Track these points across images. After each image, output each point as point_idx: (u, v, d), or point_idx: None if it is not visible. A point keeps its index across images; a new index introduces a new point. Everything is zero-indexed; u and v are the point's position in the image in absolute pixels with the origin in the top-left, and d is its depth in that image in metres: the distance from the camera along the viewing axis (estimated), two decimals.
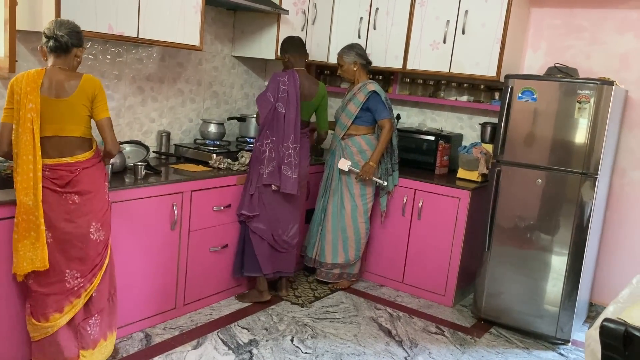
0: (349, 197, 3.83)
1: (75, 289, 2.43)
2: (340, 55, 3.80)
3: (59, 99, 2.32)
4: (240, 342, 3.09)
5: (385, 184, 3.82)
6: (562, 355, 3.33)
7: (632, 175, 3.76)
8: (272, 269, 3.57)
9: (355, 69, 3.77)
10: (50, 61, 2.36)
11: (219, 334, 3.15)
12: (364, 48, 4.23)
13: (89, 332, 2.52)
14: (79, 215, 2.40)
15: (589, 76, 3.61)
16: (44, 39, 2.33)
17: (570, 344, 3.43)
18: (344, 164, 3.76)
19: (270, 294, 3.63)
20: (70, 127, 2.35)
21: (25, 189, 2.28)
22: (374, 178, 3.77)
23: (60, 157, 2.35)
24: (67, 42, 2.32)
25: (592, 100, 3.19)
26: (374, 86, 3.73)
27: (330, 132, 3.96)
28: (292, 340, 3.16)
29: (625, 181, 3.78)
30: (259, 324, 3.32)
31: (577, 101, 3.23)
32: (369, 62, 3.85)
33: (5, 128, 2.33)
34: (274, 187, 3.42)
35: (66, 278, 2.41)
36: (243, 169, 3.50)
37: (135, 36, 2.96)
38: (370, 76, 4.02)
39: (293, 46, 3.53)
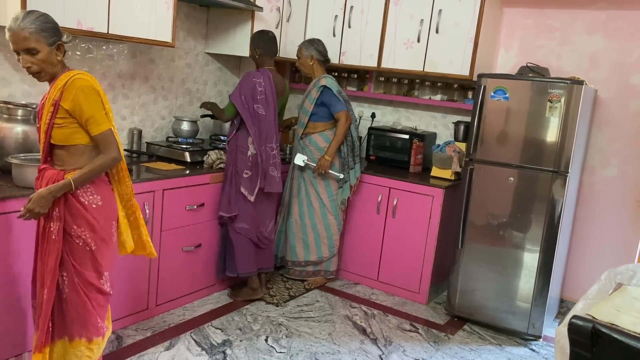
0: (315, 195, 3.83)
1: None
2: (300, 47, 3.84)
3: None
4: (213, 342, 3.06)
5: (341, 176, 3.82)
6: (533, 351, 3.38)
7: (601, 173, 3.83)
8: (254, 267, 3.56)
9: (311, 64, 3.81)
10: (64, 61, 2.22)
11: (192, 334, 3.12)
12: (339, 46, 4.26)
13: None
14: None
15: (559, 76, 3.67)
16: (70, 40, 2.23)
17: (541, 339, 3.48)
18: (299, 159, 3.78)
19: (263, 292, 3.63)
20: None
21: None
22: (331, 172, 3.78)
23: None
24: None
25: (562, 100, 3.24)
26: (325, 81, 3.75)
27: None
28: (266, 340, 3.14)
29: (595, 179, 3.85)
30: (233, 324, 3.30)
31: (548, 100, 3.27)
32: (327, 60, 3.89)
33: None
34: (258, 187, 3.42)
35: None
36: (215, 167, 3.47)
37: (106, 32, 2.89)
38: (334, 73, 4.04)
39: (265, 42, 3.50)
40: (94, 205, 2.21)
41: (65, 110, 2.12)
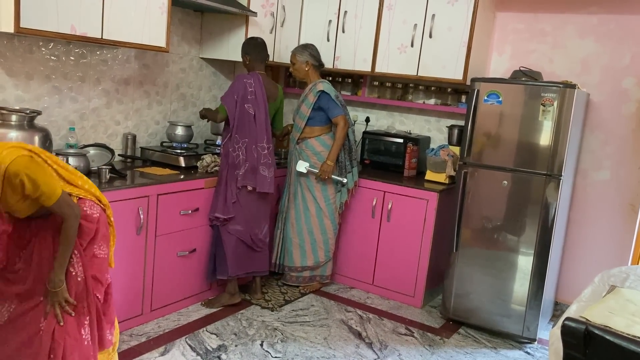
0: (311, 200, 3.83)
1: None
2: (294, 53, 3.83)
3: None
4: (208, 347, 3.05)
5: (345, 181, 3.83)
6: (528, 354, 3.38)
7: (594, 176, 3.85)
8: (244, 270, 3.55)
9: (306, 69, 3.81)
10: None
11: (187, 339, 3.11)
12: (333, 51, 4.27)
13: None
14: None
15: (552, 79, 3.69)
16: None
17: (536, 342, 3.49)
18: (301, 166, 3.77)
19: (241, 297, 3.61)
20: None
21: None
22: (333, 176, 3.79)
23: None
24: None
25: (555, 103, 3.26)
26: (322, 85, 3.76)
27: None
28: (261, 345, 3.14)
29: (588, 182, 3.87)
30: (228, 329, 3.29)
31: (541, 104, 3.29)
32: (322, 65, 3.89)
33: None
34: (249, 188, 3.43)
35: None
36: (210, 170, 3.48)
37: (99, 37, 2.89)
38: (329, 78, 4.04)
39: (254, 48, 3.55)
40: (96, 215, 2.19)
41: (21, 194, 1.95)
